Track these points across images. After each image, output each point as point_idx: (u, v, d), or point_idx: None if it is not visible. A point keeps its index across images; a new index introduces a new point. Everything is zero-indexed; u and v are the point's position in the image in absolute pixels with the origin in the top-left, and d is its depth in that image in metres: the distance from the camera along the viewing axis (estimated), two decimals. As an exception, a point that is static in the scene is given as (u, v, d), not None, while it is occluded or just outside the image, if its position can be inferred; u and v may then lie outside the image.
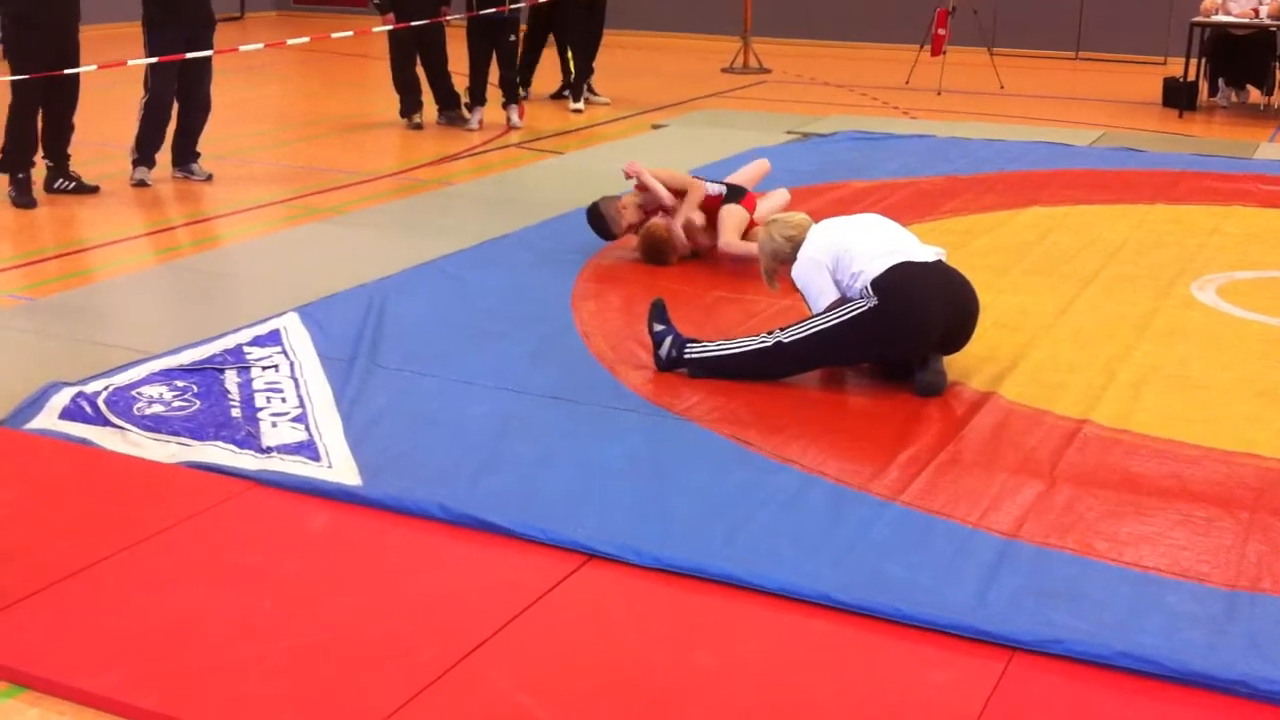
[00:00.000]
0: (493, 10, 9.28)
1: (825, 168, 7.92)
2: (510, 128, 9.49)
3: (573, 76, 10.51)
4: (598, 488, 3.60)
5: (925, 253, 4.43)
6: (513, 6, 9.41)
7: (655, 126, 9.64)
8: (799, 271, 4.53)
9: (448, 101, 9.60)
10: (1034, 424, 4.11)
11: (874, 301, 4.27)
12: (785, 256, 4.65)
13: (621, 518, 3.41)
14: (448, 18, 9.40)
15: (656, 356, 4.52)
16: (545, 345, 4.77)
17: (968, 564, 3.22)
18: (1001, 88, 11.58)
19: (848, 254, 4.40)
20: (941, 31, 11.39)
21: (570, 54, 10.50)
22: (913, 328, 4.30)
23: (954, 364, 4.50)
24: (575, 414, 4.14)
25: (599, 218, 6.00)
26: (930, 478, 3.70)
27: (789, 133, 9.17)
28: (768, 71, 12.71)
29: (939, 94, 11.26)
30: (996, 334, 4.88)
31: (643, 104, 10.64)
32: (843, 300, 4.39)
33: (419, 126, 9.43)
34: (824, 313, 4.39)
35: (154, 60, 7.15)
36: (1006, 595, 3.07)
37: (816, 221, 4.67)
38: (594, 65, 10.64)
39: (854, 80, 12.12)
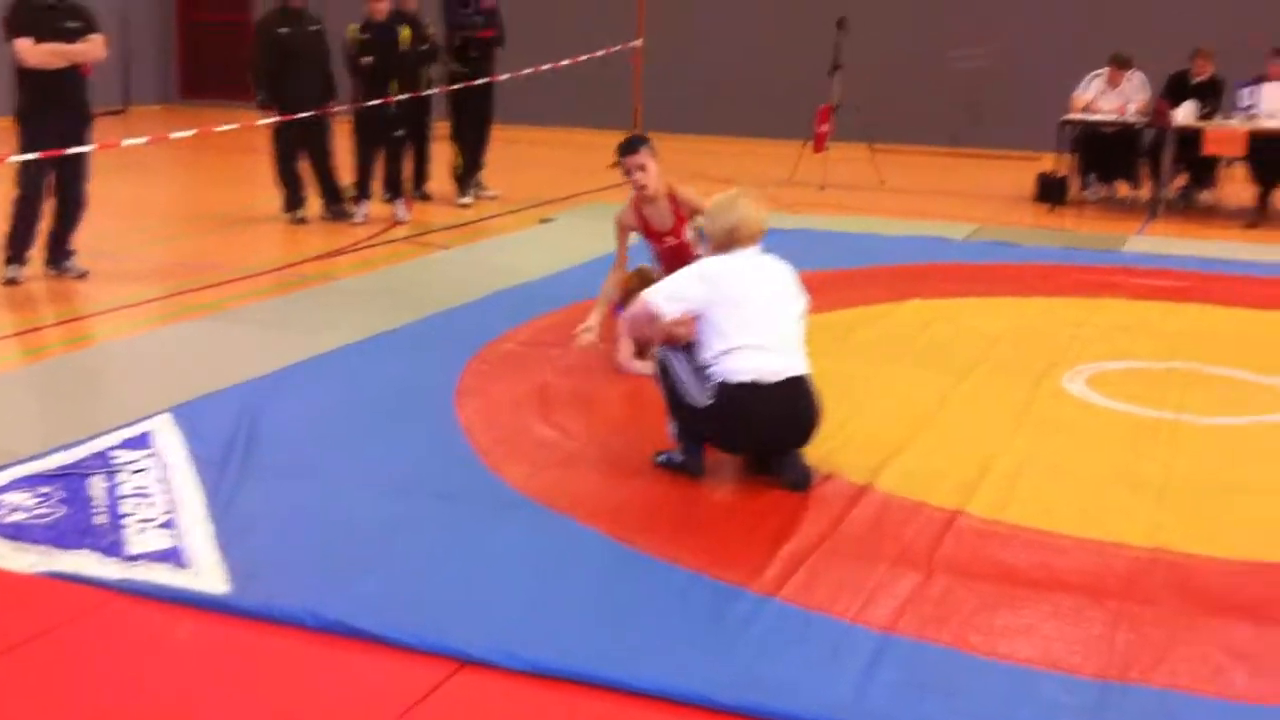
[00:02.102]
0: (380, 102, 9.31)
1: (710, 261, 8.01)
2: (397, 222, 9.48)
3: (460, 170, 10.55)
4: (476, 590, 3.54)
5: (786, 365, 4.39)
6: (399, 99, 9.44)
7: (544, 220, 9.71)
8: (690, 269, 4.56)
9: (333, 196, 9.57)
10: (911, 515, 4.15)
11: (711, 403, 4.34)
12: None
13: (499, 620, 3.35)
14: (333, 110, 9.41)
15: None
16: (427, 443, 4.72)
17: (846, 659, 3.21)
18: (883, 183, 11.88)
19: (720, 326, 4.37)
20: (824, 128, 11.68)
21: (459, 148, 10.55)
22: (737, 442, 4.45)
23: (834, 456, 4.55)
24: (456, 514, 4.08)
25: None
26: (809, 572, 3.71)
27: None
28: (656, 166, 12.88)
29: (822, 189, 11.52)
30: (878, 425, 4.94)
31: (531, 198, 10.71)
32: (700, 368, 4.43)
33: (303, 221, 9.38)
34: (689, 390, 4.41)
35: (27, 157, 7.02)
36: (885, 690, 3.07)
37: None
38: (483, 159, 10.70)
39: (740, 175, 12.33)
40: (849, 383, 5.38)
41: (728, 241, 4.52)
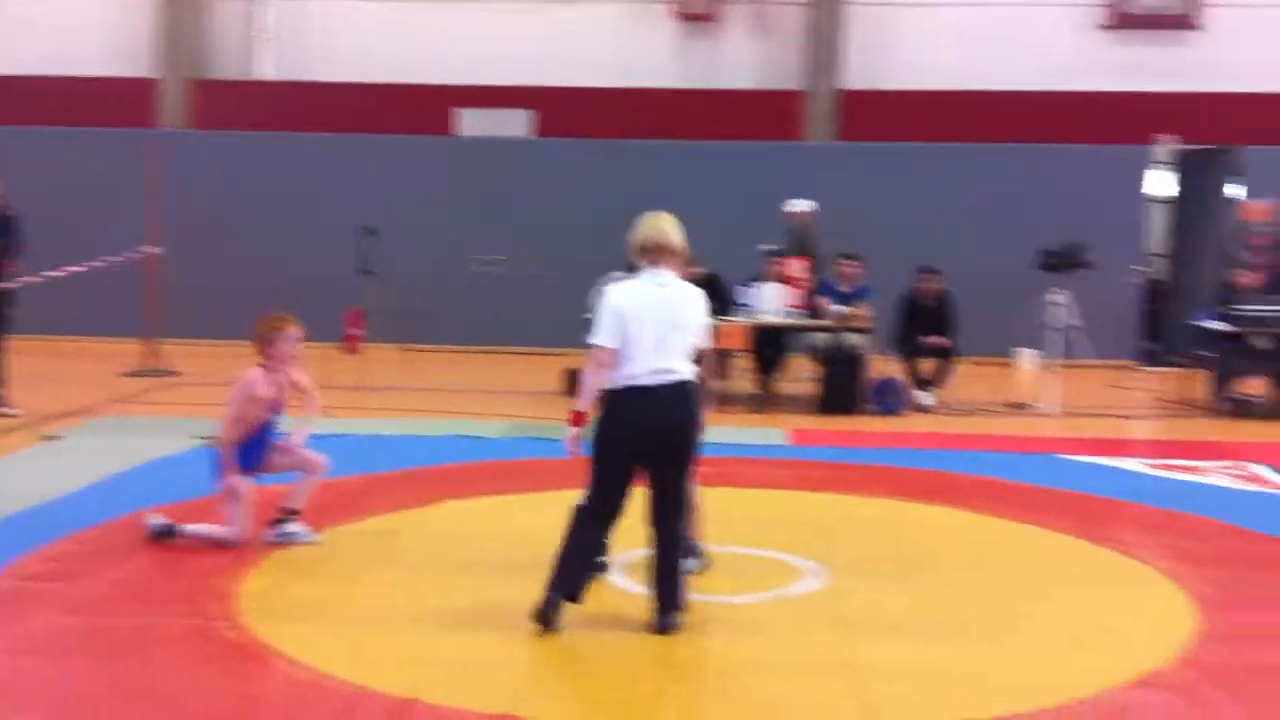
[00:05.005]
0: None
1: (239, 473, 7.60)
2: None
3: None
4: None
5: (664, 369, 4.87)
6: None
7: (46, 438, 8.87)
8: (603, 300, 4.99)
9: None
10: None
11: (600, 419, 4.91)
12: None
13: None
14: None
15: None
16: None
17: None
18: (428, 387, 11.85)
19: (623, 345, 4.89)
20: (355, 331, 11.60)
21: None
22: (617, 446, 4.91)
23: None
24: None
25: None
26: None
27: (197, 438, 8.72)
28: (176, 374, 12.26)
29: (357, 390, 11.35)
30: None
31: (34, 413, 9.79)
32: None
33: None
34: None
35: None
36: None
37: None
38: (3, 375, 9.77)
39: (268, 379, 11.93)
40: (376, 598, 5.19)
41: (634, 254, 5.09)
